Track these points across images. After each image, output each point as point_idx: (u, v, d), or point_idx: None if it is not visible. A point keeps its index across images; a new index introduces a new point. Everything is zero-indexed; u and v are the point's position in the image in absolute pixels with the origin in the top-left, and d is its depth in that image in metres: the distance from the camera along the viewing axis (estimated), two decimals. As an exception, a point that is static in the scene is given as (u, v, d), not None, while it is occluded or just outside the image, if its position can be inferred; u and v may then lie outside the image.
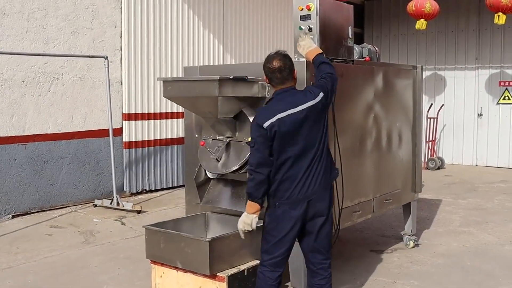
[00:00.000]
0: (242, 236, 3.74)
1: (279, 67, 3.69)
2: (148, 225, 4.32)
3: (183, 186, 8.61)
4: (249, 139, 3.70)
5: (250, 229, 3.67)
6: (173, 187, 9.23)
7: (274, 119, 3.59)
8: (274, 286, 3.72)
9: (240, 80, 4.13)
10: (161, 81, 4.41)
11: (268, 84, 3.85)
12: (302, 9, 4.44)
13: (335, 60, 4.64)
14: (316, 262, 3.84)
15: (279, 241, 3.70)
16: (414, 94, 5.90)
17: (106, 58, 7.55)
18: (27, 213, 7.33)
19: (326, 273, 3.85)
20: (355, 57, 5.31)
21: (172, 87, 4.30)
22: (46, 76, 7.50)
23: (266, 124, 3.58)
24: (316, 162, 3.69)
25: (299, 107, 3.65)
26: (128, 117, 8.53)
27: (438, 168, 11.59)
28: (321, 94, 3.72)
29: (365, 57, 5.30)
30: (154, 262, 4.30)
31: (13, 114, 7.18)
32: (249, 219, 3.66)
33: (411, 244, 5.97)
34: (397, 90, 5.60)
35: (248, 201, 3.67)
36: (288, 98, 3.70)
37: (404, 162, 5.76)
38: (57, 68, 7.61)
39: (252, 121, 3.70)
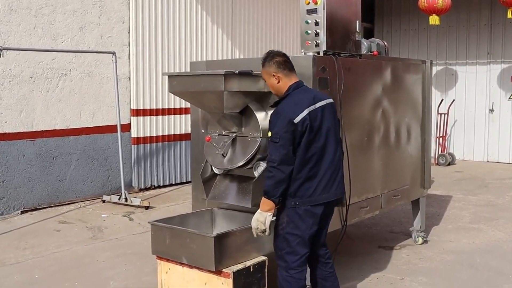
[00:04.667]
0: (255, 235, 3.67)
1: (285, 58, 3.73)
2: (154, 221, 4.29)
3: (191, 181, 8.59)
4: (269, 133, 3.57)
5: (264, 228, 3.59)
6: (181, 183, 9.22)
7: (305, 113, 3.54)
8: (305, 286, 3.70)
9: (245, 74, 4.09)
10: (167, 76, 4.37)
11: (278, 82, 3.70)
12: (308, 3, 4.39)
13: (342, 55, 4.59)
14: (323, 254, 3.89)
15: (303, 240, 3.65)
16: (423, 89, 5.83)
17: (114, 53, 7.55)
18: (36, 209, 7.36)
19: (331, 260, 3.93)
20: (364, 51, 5.25)
21: (177, 82, 4.27)
22: (54, 72, 7.50)
23: (297, 119, 3.51)
24: (336, 159, 3.68)
25: (321, 102, 3.65)
26: (136, 112, 8.52)
27: (449, 164, 11.49)
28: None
29: (373, 52, 5.24)
30: (160, 258, 4.28)
31: (22, 110, 7.20)
32: (263, 217, 3.57)
33: (420, 240, 5.92)
34: (406, 85, 5.54)
35: (263, 199, 3.58)
36: (309, 91, 3.71)
37: (413, 157, 5.70)
38: (65, 64, 7.62)
39: (276, 115, 3.56)
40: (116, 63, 7.61)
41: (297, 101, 3.61)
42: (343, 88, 4.44)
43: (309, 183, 3.59)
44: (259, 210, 3.60)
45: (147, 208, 7.50)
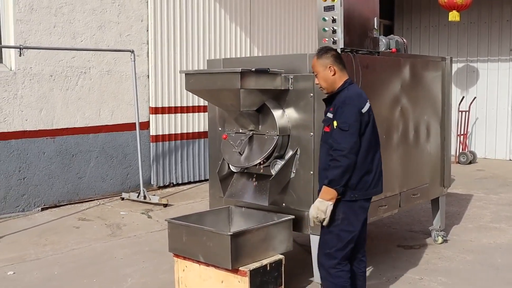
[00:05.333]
0: (312, 224, 3.61)
1: (339, 54, 3.79)
2: (171, 219, 4.31)
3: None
4: (335, 123, 3.52)
5: (323, 217, 3.52)
6: (200, 181, 9.24)
7: (368, 105, 3.64)
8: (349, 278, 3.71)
9: (262, 72, 4.08)
10: (183, 74, 4.38)
11: (333, 74, 3.67)
12: (326, 0, 4.36)
13: (360, 52, 4.55)
14: (363, 251, 3.88)
15: (354, 236, 3.65)
16: (443, 86, 5.76)
17: (132, 52, 7.59)
18: (56, 206, 7.43)
19: (366, 258, 3.93)
20: (382, 49, 5.21)
21: (194, 80, 4.28)
22: (73, 71, 7.56)
23: (364, 109, 3.59)
24: (380, 155, 3.73)
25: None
26: (155, 110, 8.56)
27: (470, 163, 11.35)
28: None
29: (391, 49, 5.18)
30: (176, 255, 4.29)
31: (42, 108, 7.27)
32: (324, 205, 3.51)
33: (440, 239, 5.85)
34: (425, 82, 5.48)
35: (325, 187, 3.51)
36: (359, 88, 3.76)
37: (432, 156, 5.63)
38: (85, 62, 7.68)
39: (344, 105, 3.54)
40: (134, 61, 7.65)
41: (359, 93, 3.68)
42: (361, 86, 4.39)
43: (367, 176, 3.63)
44: (319, 199, 3.54)
45: (165, 205, 7.53)
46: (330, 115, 3.62)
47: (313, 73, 3.82)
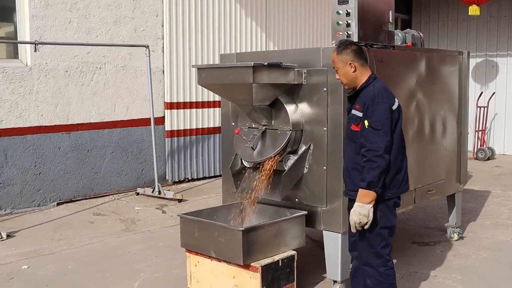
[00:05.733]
0: (354, 230, 3.50)
1: (360, 48, 3.65)
2: (183, 214, 4.30)
3: (224, 175, 8.60)
4: (366, 122, 3.42)
5: (366, 220, 3.42)
6: (215, 176, 9.23)
7: (397, 101, 3.57)
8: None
9: (275, 66, 4.04)
10: (196, 69, 4.36)
11: (354, 70, 3.57)
12: (340, -7, 4.30)
13: (374, 46, 4.49)
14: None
15: (393, 230, 3.62)
16: (460, 81, 5.67)
17: (147, 47, 7.59)
18: (71, 201, 7.47)
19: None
20: (398, 43, 5.14)
21: (206, 74, 4.25)
22: (89, 66, 7.59)
23: (394, 106, 3.52)
24: (405, 151, 3.67)
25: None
26: (170, 106, 8.56)
27: (488, 159, 11.19)
28: None
29: (407, 43, 5.11)
30: (189, 250, 4.28)
31: (57, 103, 7.31)
32: (365, 210, 3.41)
33: (455, 236, 5.77)
34: (441, 77, 5.39)
35: (362, 191, 3.41)
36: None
37: (448, 151, 5.55)
38: (100, 58, 7.69)
39: (374, 103, 3.44)
40: (149, 56, 7.65)
41: (386, 89, 3.58)
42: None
43: (399, 174, 3.57)
44: (358, 203, 3.42)
45: (180, 201, 7.54)
46: (358, 113, 3.51)
47: (333, 68, 3.73)
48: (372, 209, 3.43)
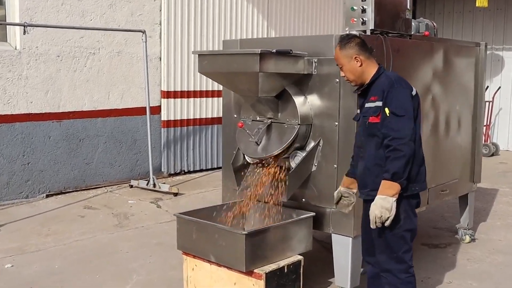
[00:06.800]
0: (374, 225, 3.14)
1: (363, 40, 3.38)
2: (180, 213, 3.96)
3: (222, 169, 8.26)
4: (387, 110, 3.13)
5: (388, 215, 3.07)
6: (212, 169, 8.89)
7: (415, 89, 3.33)
8: None
9: (283, 54, 3.69)
10: (197, 55, 4.00)
11: (360, 65, 3.29)
12: (355, -24, 3.95)
13: (390, 35, 4.14)
14: None
15: (415, 233, 3.33)
16: (476, 75, 5.34)
17: (143, 32, 7.20)
18: (61, 193, 7.12)
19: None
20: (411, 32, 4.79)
21: (208, 62, 3.89)
22: (82, 51, 7.21)
23: (414, 92, 3.27)
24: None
25: None
26: (167, 94, 8.20)
27: (492, 155, 10.88)
28: None
29: (423, 32, 4.76)
30: (186, 253, 3.95)
31: (48, 90, 6.93)
32: (388, 203, 3.06)
33: (467, 239, 5.46)
34: (457, 70, 5.06)
35: (385, 182, 3.08)
36: None
37: (463, 149, 5.24)
38: (94, 43, 7.32)
39: (393, 89, 3.17)
40: (146, 42, 7.27)
41: (401, 77, 3.32)
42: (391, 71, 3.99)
43: (423, 166, 3.32)
44: (381, 196, 3.08)
45: (176, 194, 7.20)
46: (378, 103, 3.20)
47: (337, 65, 3.43)
48: (395, 203, 3.09)
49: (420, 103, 3.35)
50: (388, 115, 3.15)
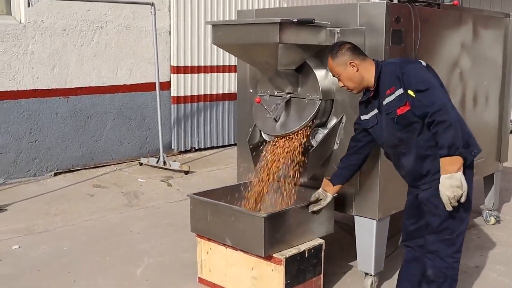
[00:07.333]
0: (450, 207, 2.85)
1: (354, 44, 3.23)
2: (194, 194, 3.74)
3: (234, 144, 8.04)
4: (410, 92, 2.91)
5: (461, 191, 2.80)
6: (223, 146, 8.67)
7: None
8: None
9: (305, 23, 3.42)
10: (211, 26, 3.74)
11: (357, 70, 3.10)
12: None
13: (418, 3, 3.85)
14: None
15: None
16: (505, 48, 5.04)
17: (152, 5, 6.92)
18: (69, 171, 6.93)
19: None
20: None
21: (223, 33, 3.63)
22: (89, 25, 6.95)
23: (424, 64, 3.10)
24: None
25: None
26: (177, 70, 7.94)
27: (511, 132, 10.55)
28: None
29: (451, 1, 4.46)
30: (200, 236, 3.74)
31: (54, 65, 6.70)
32: (457, 179, 2.79)
33: (492, 220, 5.23)
34: (486, 42, 4.76)
35: (445, 159, 2.81)
36: None
37: (489, 127, 4.97)
38: (101, 16, 7.05)
39: (404, 69, 2.96)
40: (155, 15, 6.98)
41: (402, 56, 3.21)
42: (419, 45, 3.73)
43: (468, 128, 3.07)
44: (445, 176, 2.82)
45: (186, 172, 6.99)
46: (398, 91, 2.97)
47: (333, 76, 3.24)
48: (463, 176, 2.83)
49: (435, 72, 3.14)
50: (414, 95, 2.92)
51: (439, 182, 2.88)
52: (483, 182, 5.33)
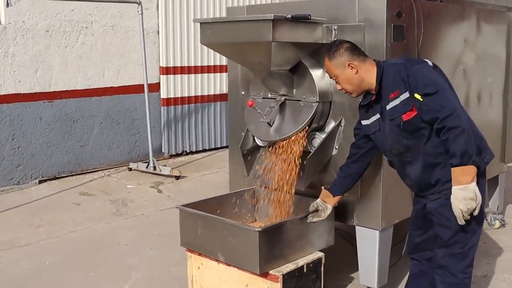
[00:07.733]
0: (463, 221, 2.63)
1: (353, 43, 2.98)
2: (183, 205, 3.48)
3: (226, 147, 7.78)
4: (417, 95, 2.68)
5: (475, 204, 2.60)
6: (215, 148, 8.43)
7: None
8: None
9: (300, 20, 3.17)
10: (198, 25, 3.48)
11: (356, 72, 2.86)
12: None
13: (419, -3, 3.61)
14: None
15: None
16: (508, 43, 4.82)
17: (139, 3, 6.66)
18: (55, 178, 6.66)
19: None
20: (437, -5, 4.27)
21: (212, 31, 3.37)
22: (73, 25, 6.68)
23: (430, 63, 2.87)
24: None
25: None
26: (166, 71, 7.68)
27: None
28: None
29: (453, -5, 4.22)
30: (190, 250, 3.48)
31: (38, 68, 6.42)
32: (471, 191, 2.57)
33: (497, 224, 5.01)
34: (488, 38, 4.53)
35: (457, 169, 2.60)
36: None
37: (493, 126, 4.74)
38: (86, 16, 6.79)
39: (410, 70, 2.73)
40: (142, 14, 6.73)
41: (406, 56, 3.00)
42: (422, 40, 3.49)
43: (479, 130, 2.85)
44: (458, 187, 2.60)
45: (177, 177, 6.73)
46: (404, 95, 2.73)
47: (330, 78, 3.00)
48: (477, 187, 2.59)
49: (443, 72, 2.90)
50: (422, 99, 2.67)
51: (450, 192, 2.64)
52: (487, 184, 5.09)
